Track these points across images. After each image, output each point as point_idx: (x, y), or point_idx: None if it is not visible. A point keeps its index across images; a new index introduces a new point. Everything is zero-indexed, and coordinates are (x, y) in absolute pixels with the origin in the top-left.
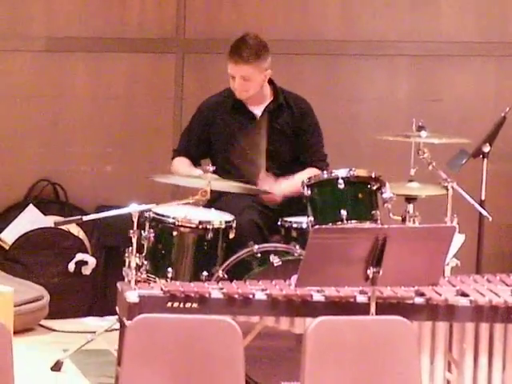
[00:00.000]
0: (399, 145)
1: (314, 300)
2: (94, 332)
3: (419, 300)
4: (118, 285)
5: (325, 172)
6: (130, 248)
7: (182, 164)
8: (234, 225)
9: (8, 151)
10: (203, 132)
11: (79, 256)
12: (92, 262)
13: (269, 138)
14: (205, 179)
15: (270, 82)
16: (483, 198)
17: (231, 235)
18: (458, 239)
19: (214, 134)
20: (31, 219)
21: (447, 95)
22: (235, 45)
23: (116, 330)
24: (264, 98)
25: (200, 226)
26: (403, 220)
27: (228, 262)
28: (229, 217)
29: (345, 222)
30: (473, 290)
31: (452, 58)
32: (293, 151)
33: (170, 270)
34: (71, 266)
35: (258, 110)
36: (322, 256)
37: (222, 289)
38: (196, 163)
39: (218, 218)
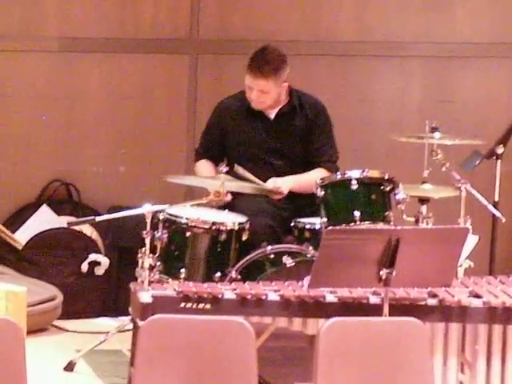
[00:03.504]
0: (412, 146)
1: (326, 301)
2: (107, 332)
3: (432, 301)
4: (131, 285)
5: (338, 173)
6: (143, 248)
7: (205, 169)
8: (248, 226)
9: (22, 151)
10: (221, 133)
11: (92, 256)
12: (105, 262)
13: (281, 140)
14: (218, 180)
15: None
16: (497, 199)
17: (244, 237)
18: (472, 240)
19: (229, 135)
20: (44, 219)
21: (461, 96)
22: (254, 58)
23: (129, 330)
24: (279, 101)
25: (213, 227)
26: (416, 221)
27: (241, 263)
28: (242, 218)
29: (358, 223)
30: (486, 292)
31: (466, 59)
32: (305, 152)
33: (183, 270)
34: (84, 267)
35: (271, 113)
36: (335, 257)
37: (234, 289)
38: (219, 162)
39: (231, 219)
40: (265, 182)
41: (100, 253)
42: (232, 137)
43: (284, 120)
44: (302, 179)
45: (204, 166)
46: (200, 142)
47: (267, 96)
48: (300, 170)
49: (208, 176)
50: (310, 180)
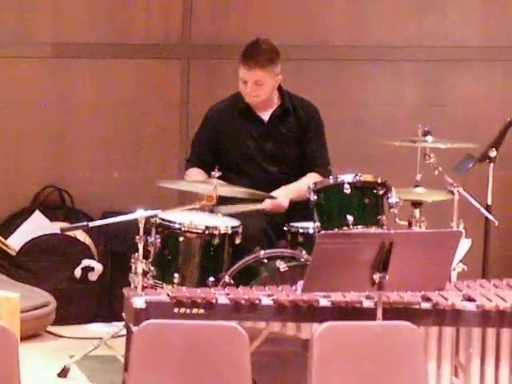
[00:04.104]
0: (405, 150)
1: (320, 305)
2: (101, 338)
3: (426, 305)
4: (125, 291)
5: (331, 177)
6: (137, 254)
7: (196, 176)
8: (241, 230)
9: (14, 157)
10: (214, 138)
11: (85, 262)
12: (98, 267)
13: (276, 142)
14: (211, 184)
15: (278, 87)
16: (489, 202)
17: (237, 241)
18: (465, 244)
19: (222, 139)
20: (37, 225)
21: (453, 100)
22: (248, 49)
23: (123, 335)
24: (271, 103)
25: (206, 232)
26: (409, 225)
27: (234, 268)
28: (235, 222)
29: (351, 227)
30: (479, 295)
31: (458, 62)
32: (298, 156)
33: (176, 275)
34: (77, 272)
35: (265, 115)
36: (328, 261)
37: (228, 294)
38: (210, 169)
39: (224, 223)
40: (259, 188)
41: (93, 258)
42: (226, 140)
43: (278, 123)
44: (300, 187)
45: (195, 173)
46: (191, 152)
47: (262, 89)
48: (293, 175)
49: (200, 180)
50: (306, 186)
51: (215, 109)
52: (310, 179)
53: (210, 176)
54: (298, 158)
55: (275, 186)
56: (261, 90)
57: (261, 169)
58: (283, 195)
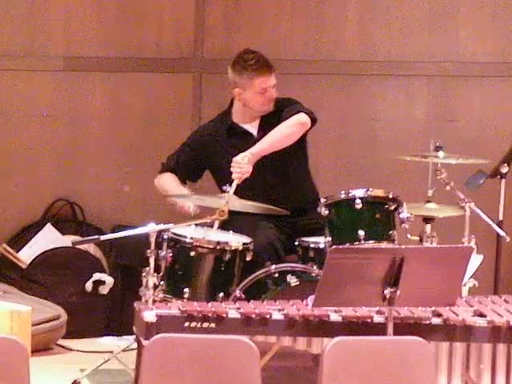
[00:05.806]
0: (417, 165)
1: (331, 320)
2: (112, 352)
3: (436, 320)
4: (136, 304)
5: (342, 192)
6: (148, 268)
7: (170, 181)
8: (252, 247)
9: (26, 170)
10: (193, 160)
11: (96, 275)
12: (109, 281)
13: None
14: (223, 199)
15: None
16: (501, 218)
17: (248, 257)
18: (476, 260)
19: (214, 160)
20: (49, 239)
21: (465, 115)
22: (255, 60)
23: (133, 349)
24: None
25: (218, 247)
26: (421, 240)
27: (245, 282)
28: (246, 239)
29: (362, 242)
30: (490, 311)
31: (470, 78)
32: (297, 157)
33: (186, 290)
34: (88, 286)
35: (253, 128)
36: (339, 276)
37: (239, 309)
38: (181, 181)
39: (235, 239)
40: (261, 197)
41: (104, 272)
42: (217, 161)
43: (266, 131)
44: (270, 136)
45: (168, 178)
46: (172, 158)
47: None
48: (294, 182)
49: (176, 190)
50: (281, 131)
51: (201, 133)
52: (286, 122)
53: (182, 182)
54: (294, 161)
55: (276, 192)
56: (276, 93)
57: (258, 180)
58: (246, 153)
